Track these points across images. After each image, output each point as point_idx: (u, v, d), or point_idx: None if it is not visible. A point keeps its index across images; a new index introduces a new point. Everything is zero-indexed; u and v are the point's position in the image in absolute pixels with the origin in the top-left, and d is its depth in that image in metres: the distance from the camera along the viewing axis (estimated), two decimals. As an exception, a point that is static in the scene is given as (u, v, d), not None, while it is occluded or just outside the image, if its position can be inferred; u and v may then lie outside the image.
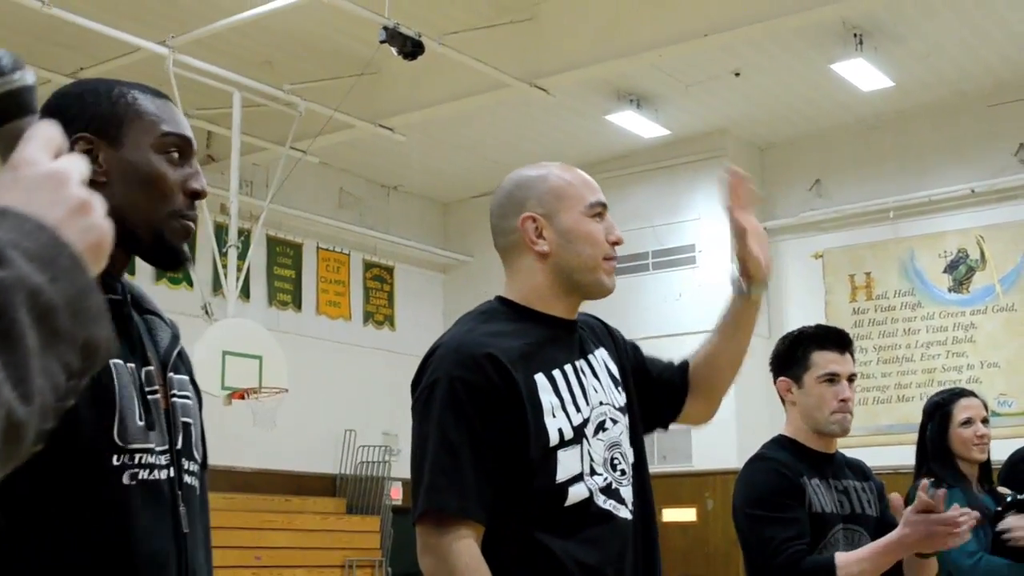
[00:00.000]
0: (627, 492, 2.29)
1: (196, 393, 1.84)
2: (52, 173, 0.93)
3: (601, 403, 2.33)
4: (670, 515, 12.22)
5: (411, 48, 9.26)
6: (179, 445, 1.70)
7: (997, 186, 11.65)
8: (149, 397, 1.67)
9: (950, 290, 11.93)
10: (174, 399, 1.73)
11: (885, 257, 12.28)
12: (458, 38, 9.85)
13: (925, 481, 3.12)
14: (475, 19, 10.00)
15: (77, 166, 0.95)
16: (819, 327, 3.49)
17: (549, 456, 2.21)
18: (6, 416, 0.80)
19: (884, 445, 10.81)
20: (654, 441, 12.38)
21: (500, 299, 2.40)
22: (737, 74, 11.26)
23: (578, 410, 2.28)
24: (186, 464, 1.71)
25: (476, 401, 2.19)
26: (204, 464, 1.80)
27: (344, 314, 14.07)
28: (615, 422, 2.35)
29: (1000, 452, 4.52)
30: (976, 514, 3.09)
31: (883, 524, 3.37)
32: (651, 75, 11.20)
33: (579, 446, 2.25)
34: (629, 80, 11.42)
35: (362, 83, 10.47)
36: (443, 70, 10.35)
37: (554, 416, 2.24)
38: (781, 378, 3.38)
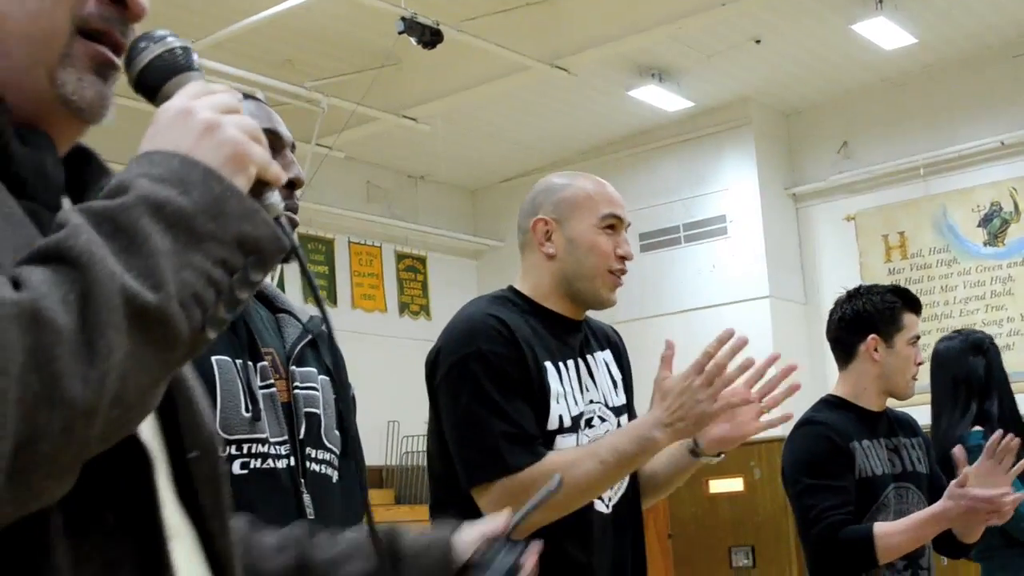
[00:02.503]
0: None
1: (338, 383, 1.90)
2: (181, 109, 1.05)
3: (591, 401, 2.50)
4: (716, 486, 12.20)
5: (430, 37, 9.27)
6: (301, 435, 1.74)
7: (1027, 137, 11.55)
8: (263, 391, 1.74)
9: (985, 244, 11.83)
10: (296, 391, 1.77)
11: (918, 215, 12.20)
12: (476, 24, 9.85)
13: (998, 433, 3.09)
14: (492, 4, 9.98)
15: (209, 99, 1.06)
16: (897, 288, 3.48)
17: (549, 439, 2.38)
18: (127, 302, 0.89)
19: (927, 404, 10.75)
20: (697, 414, 12.36)
21: (512, 289, 2.55)
22: (758, 41, 11.19)
23: (576, 403, 2.45)
24: (313, 453, 1.80)
25: (506, 368, 2.35)
26: (346, 453, 1.85)
27: (379, 307, 14.12)
28: (603, 420, 2.50)
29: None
30: (1021, 495, 3.06)
31: (932, 479, 3.37)
32: (671, 48, 11.16)
33: (575, 435, 2.42)
34: (649, 54, 11.37)
35: (383, 75, 10.49)
36: (463, 57, 10.36)
37: (558, 402, 2.41)
38: (872, 335, 3.34)
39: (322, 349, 1.92)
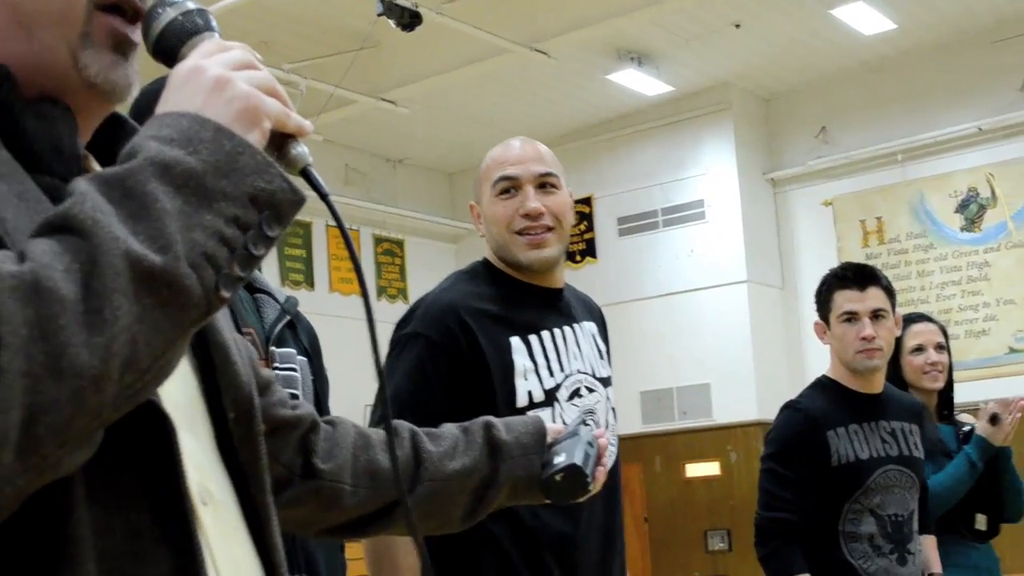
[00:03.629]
0: None
1: (315, 361, 1.91)
2: (191, 68, 1.04)
3: (578, 371, 2.41)
4: (693, 470, 12.25)
5: (409, 19, 9.23)
6: None
7: (1004, 122, 11.58)
8: None
9: (962, 229, 11.89)
10: (276, 371, 1.79)
11: (895, 201, 12.24)
12: (456, 6, 9.81)
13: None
14: (471, -14, 9.95)
15: (221, 56, 1.06)
16: (842, 266, 3.46)
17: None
18: (132, 266, 0.88)
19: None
20: (674, 398, 12.40)
21: (485, 262, 2.51)
22: (737, 26, 11.19)
23: (551, 375, 2.36)
24: None
25: (438, 361, 2.31)
26: None
27: (357, 290, 14.07)
28: (592, 390, 2.43)
29: (1019, 388, 4.50)
30: None
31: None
32: (651, 32, 11.15)
33: (551, 409, 2.33)
34: (629, 38, 11.36)
35: (361, 58, 10.44)
36: (442, 40, 10.31)
37: (525, 379, 2.32)
38: (816, 322, 3.37)
39: (299, 330, 1.92)
